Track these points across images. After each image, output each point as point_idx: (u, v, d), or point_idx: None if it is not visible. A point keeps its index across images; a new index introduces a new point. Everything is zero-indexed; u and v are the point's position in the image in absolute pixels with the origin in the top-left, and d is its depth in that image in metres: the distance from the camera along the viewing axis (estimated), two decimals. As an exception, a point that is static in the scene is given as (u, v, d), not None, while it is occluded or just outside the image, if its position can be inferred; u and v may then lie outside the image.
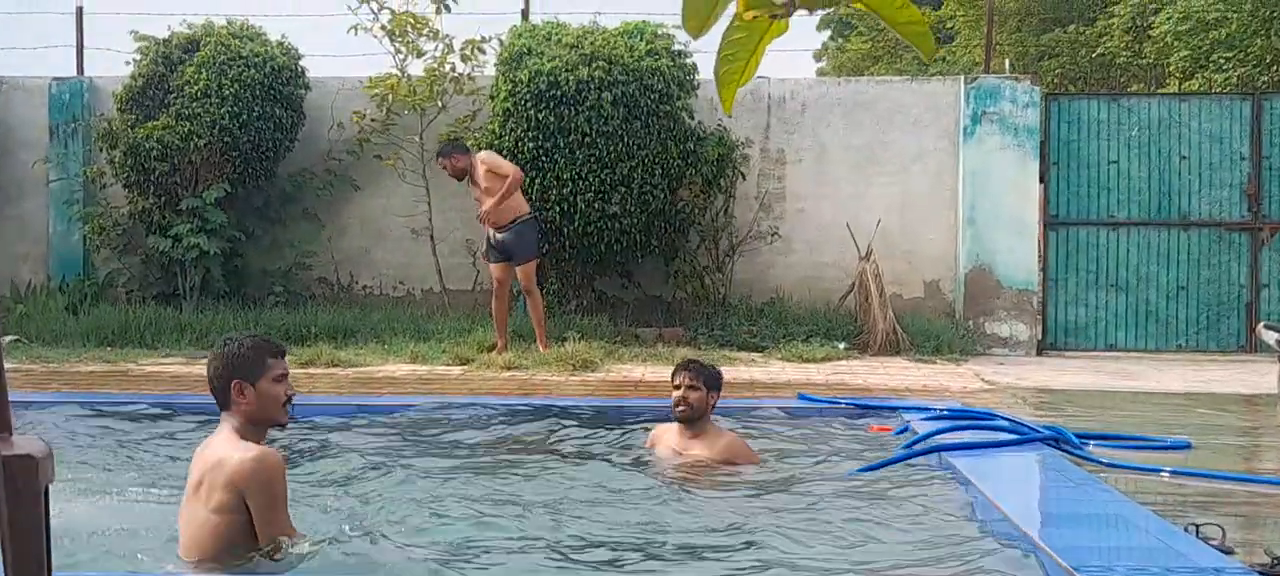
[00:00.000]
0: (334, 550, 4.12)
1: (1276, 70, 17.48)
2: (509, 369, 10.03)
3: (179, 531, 4.01)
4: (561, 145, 11.61)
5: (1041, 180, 12.67)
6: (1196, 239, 12.66)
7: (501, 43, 12.42)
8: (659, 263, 12.54)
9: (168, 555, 4.13)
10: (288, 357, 4.12)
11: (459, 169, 10.88)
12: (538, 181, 11.67)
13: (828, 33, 34.93)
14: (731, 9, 1.52)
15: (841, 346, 11.62)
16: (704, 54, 14.13)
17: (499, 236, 10.86)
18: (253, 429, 3.95)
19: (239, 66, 12.46)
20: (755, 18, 1.54)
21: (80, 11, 13.96)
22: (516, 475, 5.78)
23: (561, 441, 6.74)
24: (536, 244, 11.09)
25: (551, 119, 11.57)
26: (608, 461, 6.06)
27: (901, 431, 6.69)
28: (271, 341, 4.09)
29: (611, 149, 11.60)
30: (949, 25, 26.28)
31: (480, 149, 11.86)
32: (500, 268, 10.97)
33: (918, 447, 6.00)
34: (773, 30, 1.56)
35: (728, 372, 9.43)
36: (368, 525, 4.55)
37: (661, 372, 9.94)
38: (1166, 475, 5.46)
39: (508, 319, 11.19)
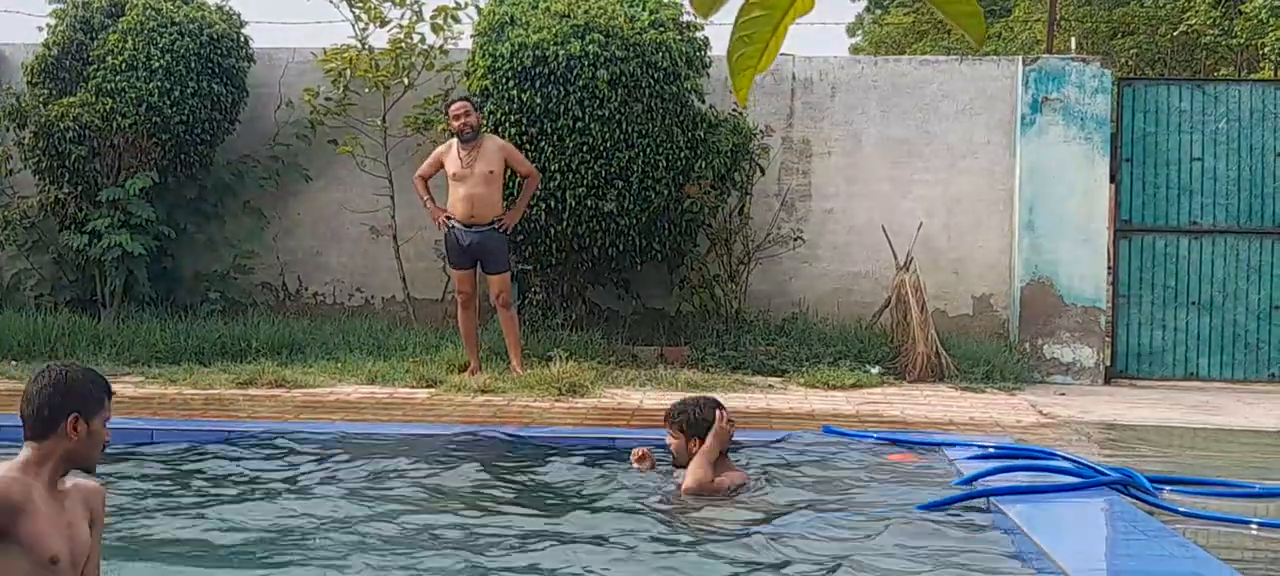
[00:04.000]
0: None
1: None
2: (484, 392, 10.03)
3: None
4: (549, 131, 11.63)
5: (1112, 179, 12.69)
6: (1293, 250, 12.68)
7: (479, 10, 12.44)
8: (662, 270, 12.56)
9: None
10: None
11: (472, 126, 10.66)
12: (520, 173, 11.69)
13: (863, 3, 34.98)
14: (748, -18, 1.53)
15: (875, 371, 11.62)
16: (718, 25, 14.15)
17: (472, 236, 10.76)
18: (61, 467, 3.98)
19: (171, 34, 12.47)
20: (776, -8, 1.54)
21: (-15, -33, 13.99)
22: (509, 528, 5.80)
23: (550, 480, 6.75)
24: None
25: (537, 100, 11.59)
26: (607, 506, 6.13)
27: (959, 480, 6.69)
28: (105, 379, 4.18)
29: (607, 136, 11.62)
30: (1006, -4, 26.33)
31: (451, 133, 11.90)
32: (468, 276, 10.91)
33: (962, 492, 6.00)
34: (796, 8, 1.56)
35: (741, 401, 9.50)
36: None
37: (663, 398, 9.96)
38: (1256, 528, 5.47)
39: (479, 334, 11.16)
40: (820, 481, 6.83)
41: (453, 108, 10.77)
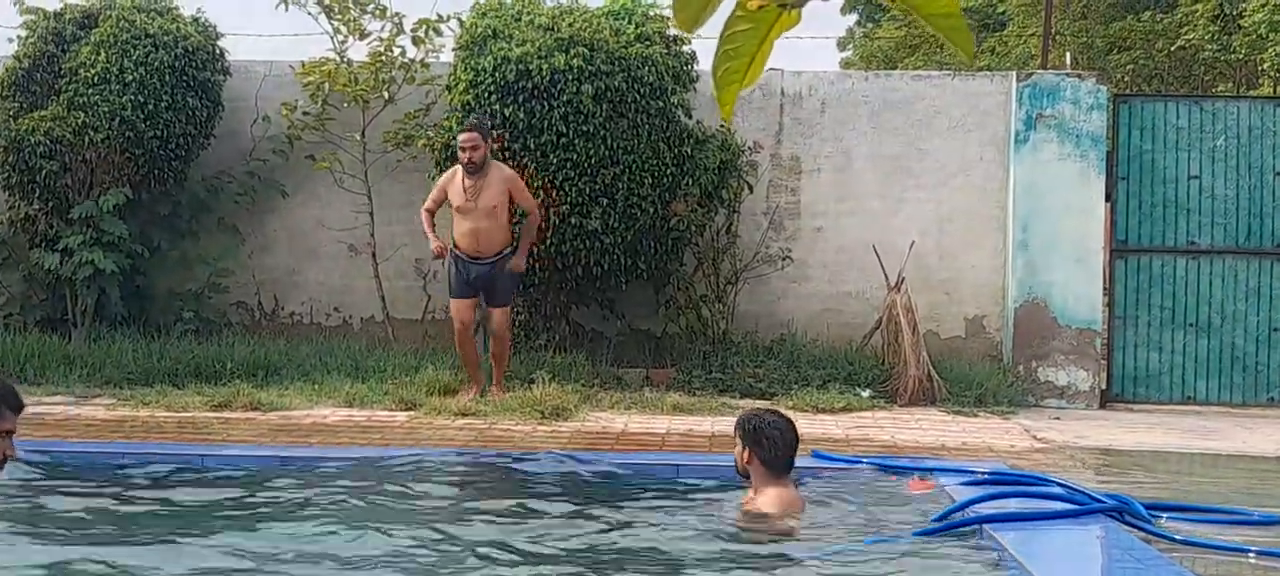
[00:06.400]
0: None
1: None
2: (464, 415, 10.02)
3: None
4: (531, 147, 11.63)
5: (1108, 198, 12.71)
6: (1293, 271, 12.71)
7: (461, 23, 12.44)
8: (647, 290, 12.56)
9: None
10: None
11: (477, 161, 10.63)
12: (503, 190, 11.68)
13: (854, 17, 35.08)
14: (733, -4, 1.53)
15: (865, 394, 11.63)
16: (705, 39, 14.18)
17: (478, 269, 10.83)
18: None
19: (145, 47, 12.46)
20: (762, 7, 1.54)
21: (-46, -23, 13.98)
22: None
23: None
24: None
25: (520, 115, 11.59)
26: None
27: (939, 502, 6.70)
28: (16, 394, 4.16)
29: (592, 152, 11.62)
30: (1000, 10, 26.38)
31: (434, 149, 11.91)
32: (469, 305, 10.98)
33: (954, 518, 6.00)
34: (782, 22, 1.56)
35: (727, 424, 9.46)
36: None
37: (648, 422, 9.97)
38: (1254, 556, 5.47)
39: (480, 357, 11.26)
40: (811, 504, 6.82)
41: (461, 137, 10.70)
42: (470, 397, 10.58)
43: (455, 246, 10.87)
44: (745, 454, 6.06)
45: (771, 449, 6.02)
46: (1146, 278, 12.83)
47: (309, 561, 5.40)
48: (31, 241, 12.83)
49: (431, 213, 11.06)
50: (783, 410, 6.90)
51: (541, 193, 11.61)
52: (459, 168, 10.78)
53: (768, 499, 6.00)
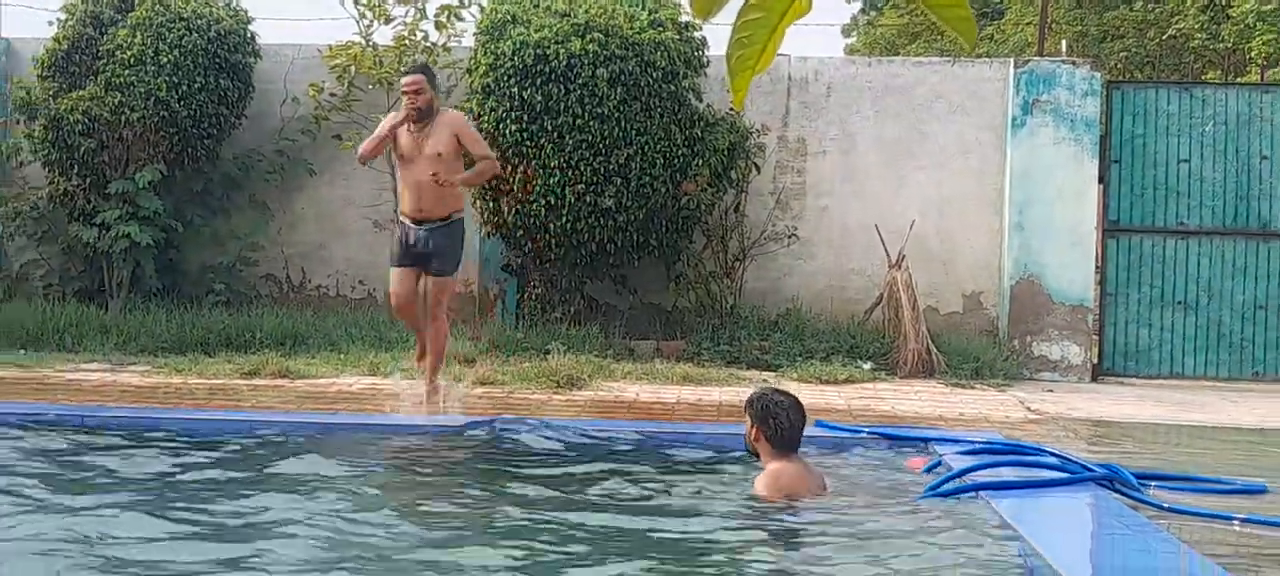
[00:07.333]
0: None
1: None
2: (483, 384, 10.04)
3: None
4: (549, 128, 11.63)
5: (1100, 181, 12.70)
6: (1278, 252, 12.68)
7: (481, 9, 12.44)
8: (659, 266, 12.57)
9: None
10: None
11: (425, 104, 8.67)
12: (521, 169, 11.69)
13: (858, 4, 34.98)
14: (746, -14, 1.53)
15: (867, 367, 11.64)
16: (716, 26, 14.14)
17: (423, 232, 8.77)
18: None
19: (179, 30, 12.48)
20: (773, -5, 1.54)
21: (-3, -38, 13.99)
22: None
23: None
24: None
25: (538, 98, 11.59)
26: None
27: (933, 467, 6.70)
28: None
29: (606, 134, 11.62)
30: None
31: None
32: (409, 276, 8.86)
33: (950, 486, 6.01)
34: (794, 10, 1.56)
35: (734, 394, 9.51)
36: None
37: (659, 391, 9.98)
38: (1238, 523, 5.47)
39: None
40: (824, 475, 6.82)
41: (404, 81, 8.88)
42: (418, 362, 9.17)
43: (400, 212, 9.00)
44: (754, 431, 6.08)
45: (778, 427, 6.04)
46: (1137, 257, 12.81)
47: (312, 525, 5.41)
48: (70, 216, 12.88)
49: (363, 159, 9.22)
50: (789, 386, 6.91)
51: (558, 171, 11.61)
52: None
53: (769, 473, 6.01)
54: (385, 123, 8.90)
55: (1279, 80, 17.33)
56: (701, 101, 12.26)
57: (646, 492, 6.19)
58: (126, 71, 12.42)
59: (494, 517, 5.64)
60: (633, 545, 5.12)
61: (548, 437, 7.47)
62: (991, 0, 26.37)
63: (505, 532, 5.28)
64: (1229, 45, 20.82)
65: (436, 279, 8.83)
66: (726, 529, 5.49)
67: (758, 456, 6.15)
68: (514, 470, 6.64)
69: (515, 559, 4.78)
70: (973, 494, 5.84)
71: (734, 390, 10.00)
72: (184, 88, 12.43)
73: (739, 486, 6.22)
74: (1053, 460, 6.54)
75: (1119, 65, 22.97)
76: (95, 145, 12.43)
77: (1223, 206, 12.74)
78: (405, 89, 8.74)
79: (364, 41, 12.84)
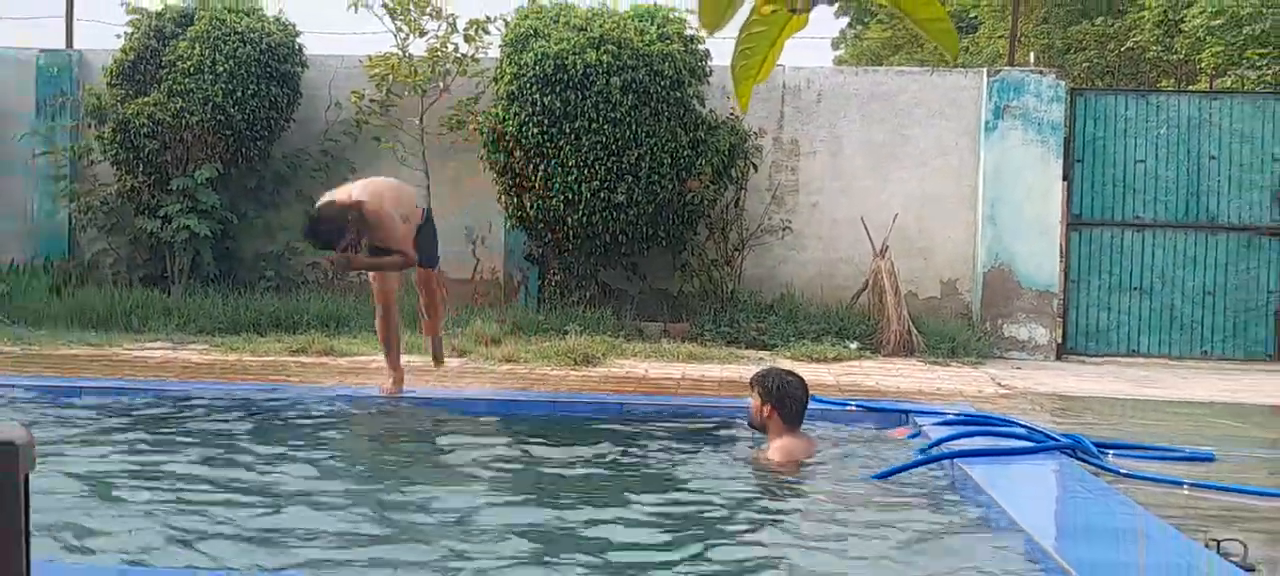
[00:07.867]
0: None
1: (1312, 69, 17.46)
2: (507, 361, 10.06)
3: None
4: (567, 131, 11.63)
5: (1065, 178, 12.68)
6: (1225, 242, 12.66)
7: (507, 23, 12.44)
8: (666, 255, 12.57)
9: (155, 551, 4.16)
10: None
11: (348, 243, 7.45)
12: (542, 168, 11.69)
13: (845, 20, 34.91)
14: (749, 2, 1.54)
15: (854, 346, 11.64)
16: (718, 39, 14.10)
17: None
18: None
19: (234, 42, 12.49)
20: (774, 11, 1.55)
21: (70, -19, 14.00)
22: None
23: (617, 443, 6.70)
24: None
25: (557, 103, 11.59)
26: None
27: (912, 437, 6.71)
28: None
29: (619, 136, 11.62)
30: (972, 14, 26.24)
31: (482, 132, 11.90)
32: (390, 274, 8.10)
33: (930, 454, 6.01)
34: (792, 25, 1.57)
35: (733, 371, 9.53)
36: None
37: (666, 369, 9.99)
38: (1188, 488, 5.47)
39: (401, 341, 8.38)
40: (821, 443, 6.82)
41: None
42: (392, 387, 7.98)
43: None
44: (766, 409, 6.04)
45: (792, 406, 6.03)
46: (1098, 247, 12.79)
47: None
48: (136, 209, 12.91)
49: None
50: (784, 363, 6.90)
51: (575, 170, 11.61)
52: None
53: (782, 445, 6.00)
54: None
55: (1227, 88, 17.29)
56: (704, 107, 12.25)
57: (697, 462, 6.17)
58: (187, 80, 12.44)
59: (521, 483, 5.65)
60: (684, 514, 5.12)
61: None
62: (967, 16, 26.30)
63: (529, 497, 5.29)
64: (1181, 56, 20.75)
65: (422, 270, 8.01)
66: (747, 492, 5.49)
67: (761, 430, 6.13)
68: (536, 443, 6.64)
69: (538, 524, 4.78)
70: (949, 461, 5.84)
71: (734, 368, 10.01)
72: (238, 94, 12.45)
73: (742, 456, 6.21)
74: (1021, 431, 6.54)
75: (1082, 74, 22.90)
76: (158, 146, 12.45)
77: (1175, 202, 12.71)
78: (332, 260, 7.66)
79: (400, 53, 12.84)
